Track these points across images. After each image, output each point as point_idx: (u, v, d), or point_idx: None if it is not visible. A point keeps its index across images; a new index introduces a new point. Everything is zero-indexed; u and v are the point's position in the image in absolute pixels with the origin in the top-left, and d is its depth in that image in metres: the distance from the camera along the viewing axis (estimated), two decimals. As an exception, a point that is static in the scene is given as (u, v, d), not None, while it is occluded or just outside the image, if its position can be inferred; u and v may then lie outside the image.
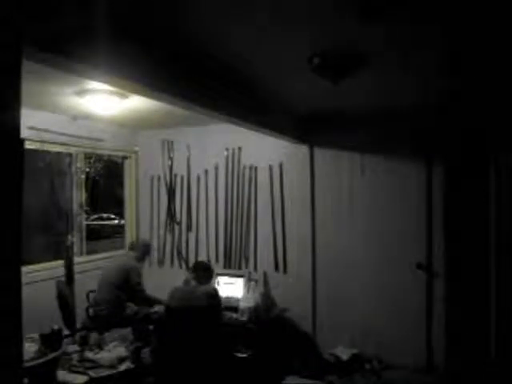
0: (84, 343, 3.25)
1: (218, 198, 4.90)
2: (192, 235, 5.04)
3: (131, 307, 3.99)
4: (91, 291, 4.11)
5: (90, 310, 3.96)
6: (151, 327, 3.90)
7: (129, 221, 5.35)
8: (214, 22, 2.04)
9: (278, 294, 4.55)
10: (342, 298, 4.33)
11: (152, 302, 4.07)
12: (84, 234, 4.79)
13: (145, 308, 4.03)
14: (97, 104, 3.44)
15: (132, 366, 3.08)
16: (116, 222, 16.10)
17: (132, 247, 4.39)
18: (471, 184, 3.81)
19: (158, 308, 3.94)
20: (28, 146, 3.79)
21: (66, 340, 3.26)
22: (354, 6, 1.83)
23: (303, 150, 4.48)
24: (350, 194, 4.30)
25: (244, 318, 4.08)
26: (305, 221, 4.48)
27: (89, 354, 3.09)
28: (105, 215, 17.53)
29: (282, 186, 4.59)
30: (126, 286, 3.98)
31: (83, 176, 4.82)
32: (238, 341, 3.89)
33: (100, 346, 3.22)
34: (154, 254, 5.17)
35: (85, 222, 4.92)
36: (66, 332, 3.38)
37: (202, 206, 4.98)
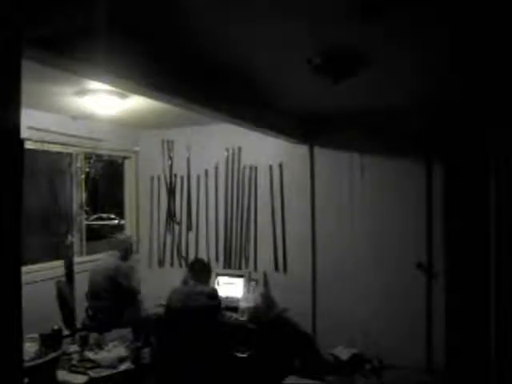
0: (84, 343, 3.24)
1: (217, 198, 4.90)
2: (192, 235, 5.04)
3: (130, 310, 3.96)
4: (91, 291, 4.11)
5: (90, 311, 3.95)
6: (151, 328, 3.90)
7: (129, 221, 5.35)
8: (214, 22, 2.04)
9: (278, 294, 4.55)
10: (342, 297, 4.33)
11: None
12: (84, 233, 4.78)
13: (139, 311, 4.00)
14: (97, 104, 3.44)
15: (132, 366, 3.07)
16: (116, 221, 16.09)
17: (115, 246, 4.19)
18: (471, 184, 3.81)
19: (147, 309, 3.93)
20: (28, 146, 3.79)
21: (65, 340, 3.26)
22: (354, 6, 1.83)
23: (303, 150, 4.48)
24: (350, 194, 4.30)
25: (244, 318, 4.08)
26: (305, 221, 4.48)
27: (89, 354, 3.08)
28: (105, 215, 17.53)
29: (281, 185, 4.59)
30: (117, 291, 3.88)
31: (83, 176, 4.82)
32: (238, 341, 3.90)
33: (100, 346, 3.22)
34: (154, 254, 5.18)
35: (85, 222, 4.92)
36: (65, 332, 3.38)
37: (202, 205, 4.98)
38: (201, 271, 3.60)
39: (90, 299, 3.97)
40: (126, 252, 4.19)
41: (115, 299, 3.89)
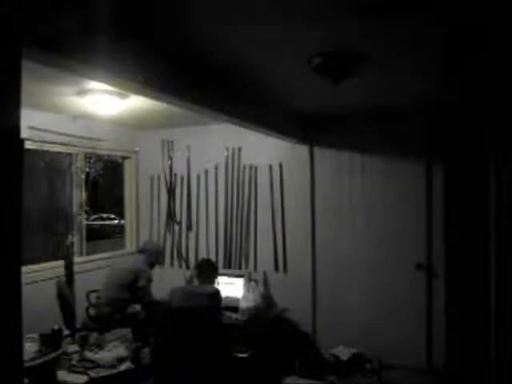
0: (84, 343, 3.24)
1: (217, 198, 4.90)
2: (192, 235, 5.04)
3: (133, 307, 3.98)
4: (91, 291, 4.11)
5: (91, 310, 3.95)
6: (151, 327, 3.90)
7: (129, 221, 5.35)
8: (214, 22, 2.04)
9: (277, 294, 4.55)
10: (342, 298, 4.33)
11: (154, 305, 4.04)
12: (84, 233, 4.78)
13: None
14: (97, 104, 3.44)
15: (132, 366, 3.07)
16: (116, 221, 16.07)
17: (142, 250, 4.29)
18: (471, 184, 3.81)
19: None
20: (28, 146, 3.79)
21: (65, 340, 3.26)
22: (353, 6, 1.83)
23: (303, 150, 4.48)
24: (350, 194, 4.30)
25: (244, 318, 4.08)
26: (305, 221, 4.48)
27: (89, 354, 3.08)
28: (105, 215, 17.50)
29: (282, 185, 4.59)
30: (134, 288, 3.95)
31: (83, 176, 4.82)
32: (238, 341, 3.89)
33: (100, 346, 3.21)
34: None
35: (85, 222, 4.92)
36: (66, 332, 3.38)
37: (202, 205, 4.98)
38: (207, 272, 3.61)
39: (103, 290, 4.01)
40: (156, 260, 4.30)
41: (128, 295, 3.94)
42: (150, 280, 4.05)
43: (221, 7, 1.87)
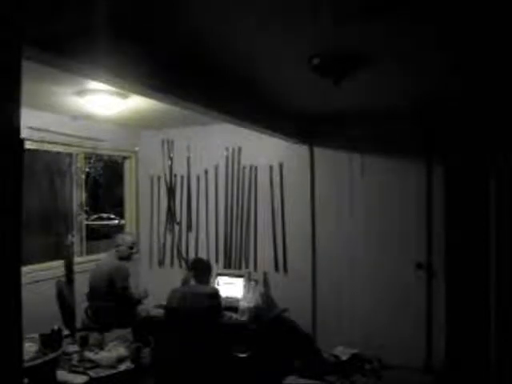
0: (84, 343, 3.24)
1: (217, 198, 4.90)
2: (192, 235, 5.04)
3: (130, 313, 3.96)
4: (91, 291, 4.10)
5: (89, 312, 3.95)
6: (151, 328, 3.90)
7: (129, 221, 5.35)
8: (214, 22, 2.04)
9: (277, 294, 4.55)
10: (341, 298, 4.33)
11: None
12: (84, 234, 4.78)
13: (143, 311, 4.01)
14: (97, 104, 3.43)
15: (132, 366, 3.07)
16: (116, 222, 16.07)
17: (117, 245, 4.12)
18: (471, 184, 3.81)
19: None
20: (28, 146, 3.79)
21: (65, 340, 3.26)
22: (353, 6, 1.83)
23: (303, 150, 4.48)
24: (350, 194, 4.30)
25: (244, 318, 4.08)
26: (305, 221, 4.48)
27: (89, 354, 3.08)
28: (105, 215, 17.51)
29: (282, 185, 4.59)
30: (114, 294, 3.85)
31: (83, 176, 4.81)
32: (238, 341, 3.89)
33: (100, 346, 3.22)
34: (154, 254, 5.17)
35: (85, 222, 4.92)
36: (66, 332, 3.38)
37: (202, 205, 4.98)
38: (202, 270, 3.60)
39: (89, 299, 3.97)
40: (128, 251, 4.14)
41: (113, 299, 3.88)
42: (126, 278, 3.91)
43: (221, 7, 1.87)
